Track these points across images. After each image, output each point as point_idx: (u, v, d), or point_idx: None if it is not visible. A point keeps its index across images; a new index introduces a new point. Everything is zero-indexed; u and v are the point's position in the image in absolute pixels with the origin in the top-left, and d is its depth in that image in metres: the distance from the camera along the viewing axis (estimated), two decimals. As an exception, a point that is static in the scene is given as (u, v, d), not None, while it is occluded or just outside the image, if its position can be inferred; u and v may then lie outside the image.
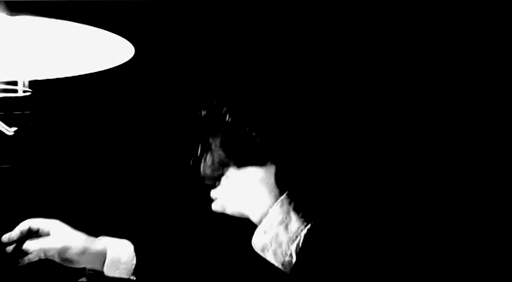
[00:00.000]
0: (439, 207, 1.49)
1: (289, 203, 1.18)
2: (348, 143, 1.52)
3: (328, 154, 1.29)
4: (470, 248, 1.41)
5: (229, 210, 1.25)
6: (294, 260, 1.17)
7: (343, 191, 1.26)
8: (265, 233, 1.18)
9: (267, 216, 1.18)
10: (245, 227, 1.31)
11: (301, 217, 1.17)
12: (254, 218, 1.21)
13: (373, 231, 1.19)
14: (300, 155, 1.24)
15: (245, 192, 1.22)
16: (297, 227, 1.17)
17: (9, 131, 0.87)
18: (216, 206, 1.26)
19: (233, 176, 1.23)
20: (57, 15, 0.88)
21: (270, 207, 1.18)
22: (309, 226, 1.16)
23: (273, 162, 1.22)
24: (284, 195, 1.19)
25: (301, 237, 1.16)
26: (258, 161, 1.21)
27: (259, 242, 1.20)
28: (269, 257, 1.21)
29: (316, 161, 1.26)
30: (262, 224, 1.19)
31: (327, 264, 1.14)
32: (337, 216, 1.19)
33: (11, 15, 0.83)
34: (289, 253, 1.17)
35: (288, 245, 1.17)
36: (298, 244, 1.16)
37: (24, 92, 0.89)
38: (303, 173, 1.23)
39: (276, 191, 1.20)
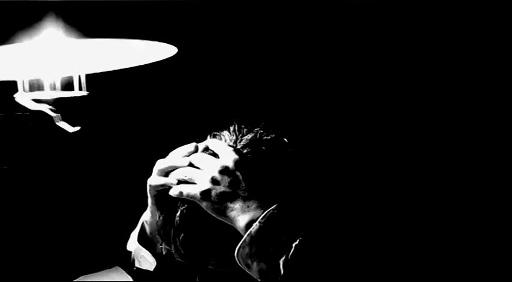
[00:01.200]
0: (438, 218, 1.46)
1: (280, 213, 1.09)
2: (338, 154, 1.50)
3: (321, 166, 1.31)
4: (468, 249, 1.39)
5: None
6: (282, 273, 1.07)
7: (336, 202, 1.23)
8: (250, 244, 1.08)
9: (254, 225, 1.07)
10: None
11: (292, 228, 1.07)
12: (239, 224, 1.10)
13: (367, 244, 1.16)
14: (294, 167, 1.19)
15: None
16: (287, 239, 1.06)
17: (72, 129, 0.91)
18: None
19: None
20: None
21: (259, 216, 1.08)
22: (300, 238, 1.06)
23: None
24: (275, 205, 1.09)
25: (291, 249, 1.06)
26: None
27: (242, 254, 1.09)
28: (253, 271, 1.11)
29: (308, 172, 1.21)
30: (247, 234, 1.08)
31: (318, 278, 1.07)
32: (330, 227, 1.15)
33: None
34: (275, 268, 1.07)
35: (276, 259, 1.06)
36: (287, 257, 1.06)
37: (80, 90, 0.94)
38: (295, 184, 1.18)
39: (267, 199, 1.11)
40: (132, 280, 1.46)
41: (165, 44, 0.98)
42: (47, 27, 0.90)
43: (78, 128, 0.92)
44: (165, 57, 1.02)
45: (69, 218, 2.13)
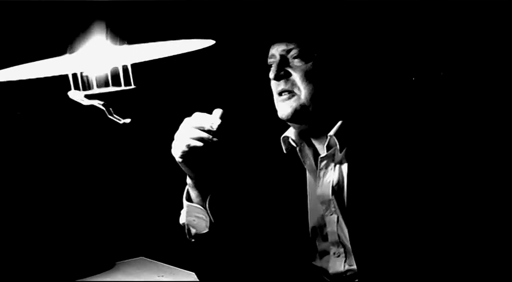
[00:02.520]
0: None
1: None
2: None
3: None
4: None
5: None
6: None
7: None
8: None
9: None
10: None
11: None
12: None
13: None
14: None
15: None
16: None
17: (123, 120, 0.97)
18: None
19: None
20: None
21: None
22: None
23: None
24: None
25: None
26: None
27: None
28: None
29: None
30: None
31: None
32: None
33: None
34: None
35: None
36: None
37: (127, 85, 1.00)
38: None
39: None
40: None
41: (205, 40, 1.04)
42: (94, 34, 0.96)
43: (128, 120, 0.98)
44: (203, 47, 1.08)
45: (70, 218, 2.19)
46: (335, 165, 1.41)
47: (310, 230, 1.47)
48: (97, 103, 0.97)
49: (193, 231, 1.42)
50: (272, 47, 1.42)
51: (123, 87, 1.00)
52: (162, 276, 1.86)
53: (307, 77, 1.37)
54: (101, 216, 2.28)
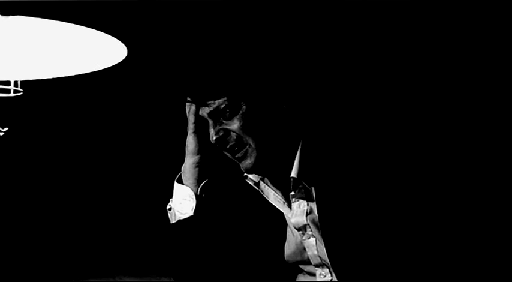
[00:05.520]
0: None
1: None
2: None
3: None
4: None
5: None
6: None
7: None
8: None
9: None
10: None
11: None
12: None
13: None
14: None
15: None
16: None
17: (1, 131, 0.87)
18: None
19: None
20: (51, 16, 0.89)
21: None
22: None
23: None
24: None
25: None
26: None
27: None
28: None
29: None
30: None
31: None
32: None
33: (4, 15, 0.84)
34: None
35: None
36: None
37: (16, 92, 0.89)
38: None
39: None
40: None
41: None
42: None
43: (5, 129, 0.88)
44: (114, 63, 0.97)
45: (69, 219, 2.15)
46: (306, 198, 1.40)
47: (291, 255, 1.47)
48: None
49: (177, 215, 1.42)
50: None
51: (8, 93, 0.89)
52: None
53: (246, 122, 1.31)
54: (100, 217, 2.24)
